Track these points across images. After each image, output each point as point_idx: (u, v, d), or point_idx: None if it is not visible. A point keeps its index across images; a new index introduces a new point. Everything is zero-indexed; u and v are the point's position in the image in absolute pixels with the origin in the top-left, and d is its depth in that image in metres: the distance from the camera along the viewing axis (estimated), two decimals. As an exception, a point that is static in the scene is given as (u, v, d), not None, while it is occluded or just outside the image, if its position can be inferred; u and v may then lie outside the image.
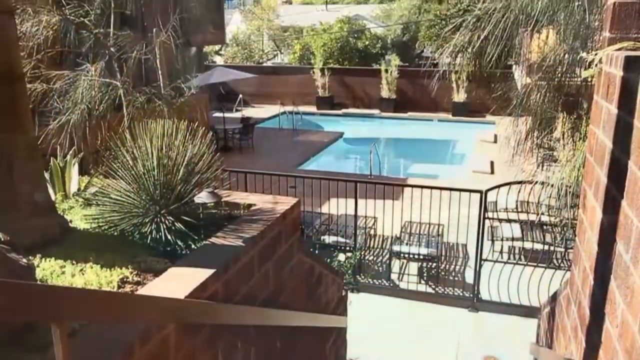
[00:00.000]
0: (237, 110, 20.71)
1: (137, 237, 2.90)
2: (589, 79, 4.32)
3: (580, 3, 4.18)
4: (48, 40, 4.93)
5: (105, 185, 3.16)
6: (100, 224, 3.00)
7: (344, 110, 22.87)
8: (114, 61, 5.10)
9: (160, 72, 5.30)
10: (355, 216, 7.86)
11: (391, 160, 18.07)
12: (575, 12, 4.22)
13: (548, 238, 7.69)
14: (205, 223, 2.97)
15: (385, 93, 22.04)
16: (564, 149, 4.98)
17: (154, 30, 5.32)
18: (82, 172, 3.98)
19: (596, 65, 2.30)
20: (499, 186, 7.20)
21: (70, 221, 3.13)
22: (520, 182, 6.49)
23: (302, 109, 21.10)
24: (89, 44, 5.28)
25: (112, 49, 5.03)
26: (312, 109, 22.72)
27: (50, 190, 3.39)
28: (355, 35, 26.28)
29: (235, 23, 34.83)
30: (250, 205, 3.40)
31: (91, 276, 2.44)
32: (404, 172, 16.60)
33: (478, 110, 19.90)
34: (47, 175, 3.48)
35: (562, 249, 7.54)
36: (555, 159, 5.65)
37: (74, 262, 2.57)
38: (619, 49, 2.12)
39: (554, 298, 3.41)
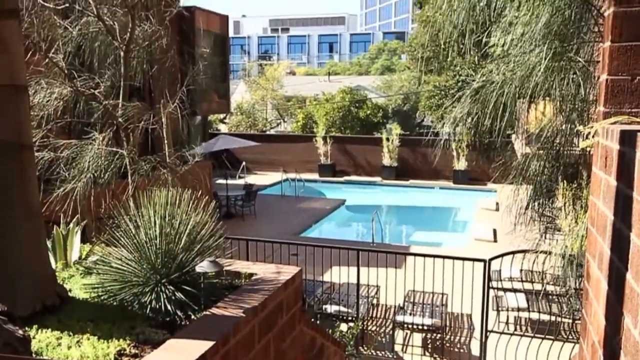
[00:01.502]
0: (240, 177, 20.91)
1: (137, 307, 2.85)
2: (587, 149, 4.39)
3: (574, 77, 4.32)
4: (58, 110, 5.08)
5: (107, 253, 3.15)
6: (100, 294, 2.97)
7: (346, 178, 23.07)
8: (121, 131, 5.23)
9: (166, 141, 5.42)
10: (358, 285, 7.75)
11: (393, 227, 18.03)
12: (570, 85, 4.35)
13: (555, 308, 7.53)
14: (205, 293, 2.93)
15: (386, 161, 22.32)
16: (566, 218, 4.98)
17: (162, 101, 5.48)
18: (84, 240, 3.97)
19: (593, 136, 2.35)
20: (502, 255, 7.14)
21: (70, 290, 3.10)
22: (523, 251, 6.44)
23: (304, 176, 21.30)
24: (98, 114, 5.43)
25: (120, 119, 5.16)
26: (315, 176, 22.94)
27: (51, 258, 3.38)
28: (357, 105, 26.97)
29: (240, 92, 35.86)
30: (251, 275, 3.37)
31: (87, 348, 2.38)
32: (406, 239, 16.52)
33: (479, 179, 20.07)
34: (49, 242, 3.48)
35: (570, 320, 7.37)
36: (558, 228, 5.63)
37: (70, 333, 2.52)
38: (614, 123, 2.17)
39: (563, 373, 3.30)
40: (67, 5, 5.44)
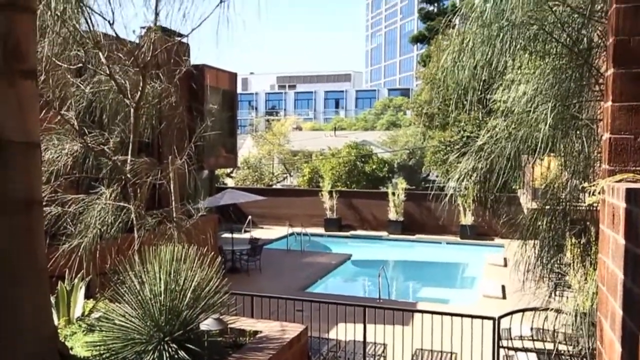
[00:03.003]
0: (245, 231, 20.84)
1: (138, 366, 2.79)
2: (594, 205, 4.38)
3: (578, 134, 4.37)
4: (68, 165, 5.15)
5: (110, 310, 3.12)
6: (102, 352, 2.92)
7: (352, 232, 22.95)
8: (128, 186, 5.27)
9: (173, 196, 5.46)
10: (364, 343, 7.57)
11: (400, 283, 17.76)
12: (574, 142, 4.39)
13: (568, 369, 7.27)
14: (209, 352, 2.87)
15: (392, 215, 22.25)
16: (576, 275, 4.90)
17: (170, 157, 5.56)
18: (88, 296, 3.94)
19: (599, 193, 2.35)
20: (512, 313, 6.98)
21: (71, 348, 3.05)
22: (533, 309, 6.30)
23: (310, 230, 21.21)
24: (107, 169, 5.50)
25: (128, 174, 5.22)
26: (320, 230, 22.84)
27: (54, 314, 3.34)
28: (363, 160, 27.17)
29: (247, 147, 36.32)
30: (256, 332, 3.31)
31: (87, 410, 2.32)
32: (414, 295, 16.23)
33: (486, 234, 19.92)
34: (52, 298, 3.45)
35: (584, 382, 7.10)
36: (568, 284, 5.53)
37: (70, 393, 2.46)
38: (620, 180, 2.18)
39: None
40: (80, 65, 5.62)
